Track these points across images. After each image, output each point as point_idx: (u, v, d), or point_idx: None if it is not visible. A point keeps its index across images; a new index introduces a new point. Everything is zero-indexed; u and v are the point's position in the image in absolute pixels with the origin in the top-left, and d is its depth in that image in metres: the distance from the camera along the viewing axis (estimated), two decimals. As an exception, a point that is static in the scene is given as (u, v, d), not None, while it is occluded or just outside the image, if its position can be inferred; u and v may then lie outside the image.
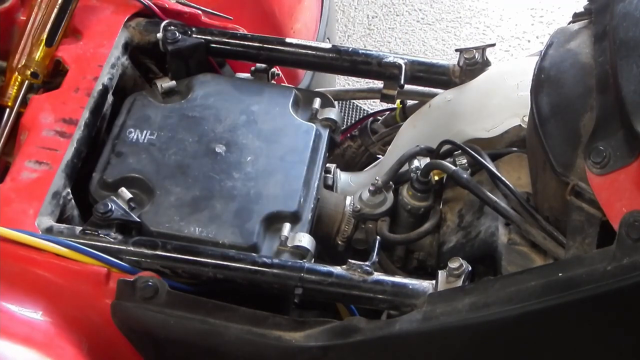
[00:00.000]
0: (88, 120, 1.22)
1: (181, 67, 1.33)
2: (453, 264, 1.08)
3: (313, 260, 1.14)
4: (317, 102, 1.29)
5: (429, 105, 1.35)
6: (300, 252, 1.13)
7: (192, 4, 1.38)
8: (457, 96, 1.32)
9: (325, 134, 1.26)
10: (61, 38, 1.28)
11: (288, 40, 1.38)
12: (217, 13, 1.40)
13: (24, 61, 1.27)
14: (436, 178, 1.21)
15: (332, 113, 1.28)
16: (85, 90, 1.24)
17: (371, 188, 1.22)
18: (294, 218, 1.15)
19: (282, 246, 1.13)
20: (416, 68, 1.37)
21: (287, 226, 1.14)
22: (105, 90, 1.27)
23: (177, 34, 1.32)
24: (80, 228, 1.11)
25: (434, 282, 1.09)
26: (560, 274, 0.97)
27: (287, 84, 1.45)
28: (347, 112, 2.22)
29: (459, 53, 1.36)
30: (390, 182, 1.24)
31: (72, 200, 1.18)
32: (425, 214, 1.23)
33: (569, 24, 1.20)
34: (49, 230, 1.11)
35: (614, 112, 0.99)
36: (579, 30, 1.16)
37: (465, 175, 1.17)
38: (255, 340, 1.06)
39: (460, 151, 1.22)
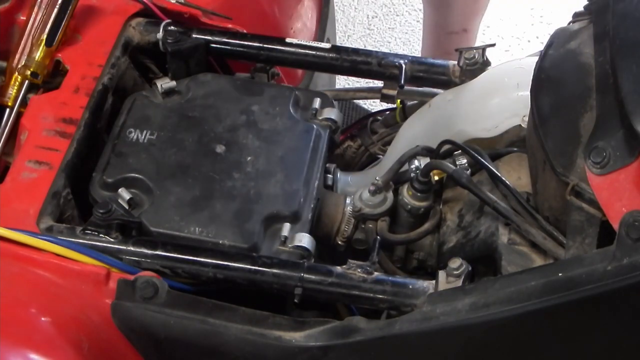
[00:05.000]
0: (88, 120, 1.22)
1: (181, 67, 1.33)
2: (453, 264, 1.08)
3: (313, 260, 1.14)
4: (317, 102, 1.29)
5: (429, 105, 1.35)
6: (300, 252, 1.13)
7: (192, 4, 1.38)
8: (457, 96, 1.32)
9: (325, 134, 1.26)
10: (61, 38, 1.28)
11: (288, 40, 1.38)
12: (217, 13, 1.40)
13: (24, 61, 1.26)
14: (436, 178, 1.21)
15: (332, 113, 1.28)
16: (85, 90, 1.24)
17: (371, 188, 1.22)
18: (294, 218, 1.15)
19: (282, 246, 1.13)
20: (416, 68, 1.37)
21: (287, 226, 1.14)
22: (105, 90, 1.27)
23: (177, 34, 1.32)
24: (81, 228, 1.11)
25: (434, 282, 1.09)
26: (560, 274, 0.97)
27: (287, 84, 1.45)
28: (347, 112, 2.22)
29: (459, 53, 1.36)
30: (390, 182, 1.24)
31: (72, 200, 1.18)
32: (425, 214, 1.23)
33: (569, 24, 1.20)
34: (49, 230, 1.11)
35: (614, 112, 0.99)
36: (579, 30, 1.16)
37: (465, 175, 1.17)
38: (255, 340, 1.06)
39: (460, 151, 1.22)
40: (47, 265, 1.07)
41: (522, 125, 1.24)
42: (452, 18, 2.17)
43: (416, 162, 1.24)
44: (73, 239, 1.10)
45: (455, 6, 2.15)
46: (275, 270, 1.09)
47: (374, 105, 2.30)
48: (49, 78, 1.29)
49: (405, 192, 1.23)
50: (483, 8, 2.21)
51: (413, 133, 1.35)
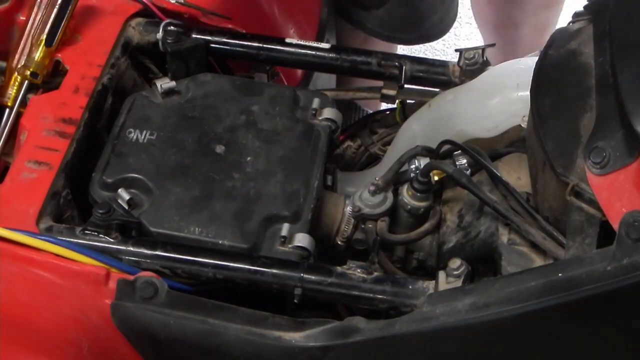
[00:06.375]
0: (88, 120, 1.22)
1: (181, 67, 1.33)
2: (453, 264, 1.08)
3: (313, 260, 1.14)
4: (316, 102, 1.29)
5: (429, 105, 1.35)
6: (300, 252, 1.13)
7: (192, 4, 1.38)
8: (457, 96, 1.32)
9: (325, 134, 1.26)
10: (61, 38, 1.28)
11: (288, 40, 1.38)
12: (217, 13, 1.40)
13: (23, 61, 1.26)
14: (436, 178, 1.21)
15: (332, 113, 1.28)
16: (85, 90, 1.24)
17: (371, 188, 1.21)
18: (294, 218, 1.15)
19: (281, 246, 1.13)
20: (416, 68, 1.37)
21: (286, 226, 1.14)
22: (105, 90, 1.27)
23: (177, 34, 1.32)
24: (80, 228, 1.11)
25: (434, 282, 1.09)
26: (560, 274, 0.97)
27: (287, 84, 1.45)
28: (347, 112, 2.22)
29: (459, 53, 1.36)
30: (390, 182, 1.24)
31: (72, 201, 1.18)
32: (425, 214, 1.23)
33: (569, 24, 1.20)
34: (48, 230, 1.11)
35: (614, 112, 0.99)
36: (579, 30, 1.16)
37: (465, 176, 1.17)
38: (255, 340, 1.06)
39: (460, 151, 1.22)
40: (46, 265, 1.07)
41: (522, 125, 1.24)
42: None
43: (416, 162, 1.24)
44: (73, 239, 1.09)
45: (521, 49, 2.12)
46: (275, 271, 1.09)
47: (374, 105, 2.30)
48: (49, 78, 1.29)
49: (405, 192, 1.22)
50: None
51: (413, 133, 1.35)
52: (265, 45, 1.36)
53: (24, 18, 1.31)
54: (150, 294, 1.06)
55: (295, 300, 1.10)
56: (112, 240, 1.10)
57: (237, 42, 1.36)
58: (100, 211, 1.10)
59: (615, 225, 0.95)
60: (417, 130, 1.35)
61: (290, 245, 1.13)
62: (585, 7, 1.19)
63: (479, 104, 1.29)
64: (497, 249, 1.15)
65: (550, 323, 1.00)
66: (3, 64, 1.30)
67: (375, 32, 1.79)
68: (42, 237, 1.08)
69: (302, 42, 1.38)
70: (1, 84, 1.28)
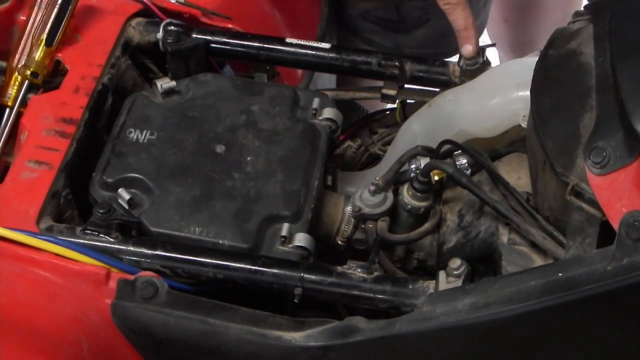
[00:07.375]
0: (88, 120, 1.22)
1: (181, 67, 1.33)
2: (453, 264, 1.08)
3: (313, 260, 1.14)
4: (316, 102, 1.29)
5: (429, 105, 1.35)
6: (300, 252, 1.13)
7: (192, 4, 1.38)
8: (457, 96, 1.32)
9: (325, 133, 1.26)
10: (61, 38, 1.28)
11: (288, 40, 1.38)
12: (217, 13, 1.40)
13: (24, 61, 1.26)
14: (436, 178, 1.21)
15: (332, 113, 1.28)
16: (85, 90, 1.24)
17: (371, 188, 1.21)
18: (294, 218, 1.15)
19: (282, 246, 1.13)
20: (416, 68, 1.37)
21: (287, 226, 1.14)
22: (105, 90, 1.27)
23: (177, 34, 1.32)
24: (81, 228, 1.11)
25: (434, 282, 1.09)
26: (560, 274, 0.97)
27: (287, 84, 1.45)
28: (347, 112, 2.22)
29: (459, 53, 1.36)
30: (391, 182, 1.24)
31: (72, 200, 1.18)
32: (425, 214, 1.23)
33: (569, 24, 1.20)
34: (49, 230, 1.11)
35: (614, 112, 0.99)
36: (579, 30, 1.16)
37: (465, 176, 1.17)
38: (255, 340, 1.06)
39: (460, 151, 1.22)
40: (47, 265, 1.07)
41: (522, 125, 1.24)
42: None
43: (416, 162, 1.24)
44: (73, 239, 1.10)
45: None
46: (275, 270, 1.09)
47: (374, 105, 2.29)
48: (49, 78, 1.29)
49: (405, 192, 1.22)
50: None
51: (413, 133, 1.35)
52: (265, 45, 1.36)
53: (24, 18, 1.31)
54: (150, 293, 1.06)
55: (296, 300, 1.10)
56: (112, 240, 1.10)
57: (237, 42, 1.36)
58: (101, 211, 1.10)
59: (616, 225, 0.95)
60: (417, 130, 1.35)
61: (290, 245, 1.13)
62: (585, 7, 1.19)
63: (479, 104, 1.29)
64: (497, 249, 1.15)
65: (550, 323, 1.00)
66: (3, 63, 1.30)
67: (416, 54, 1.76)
68: (43, 237, 1.08)
69: (302, 42, 1.38)
70: (1, 83, 1.28)
